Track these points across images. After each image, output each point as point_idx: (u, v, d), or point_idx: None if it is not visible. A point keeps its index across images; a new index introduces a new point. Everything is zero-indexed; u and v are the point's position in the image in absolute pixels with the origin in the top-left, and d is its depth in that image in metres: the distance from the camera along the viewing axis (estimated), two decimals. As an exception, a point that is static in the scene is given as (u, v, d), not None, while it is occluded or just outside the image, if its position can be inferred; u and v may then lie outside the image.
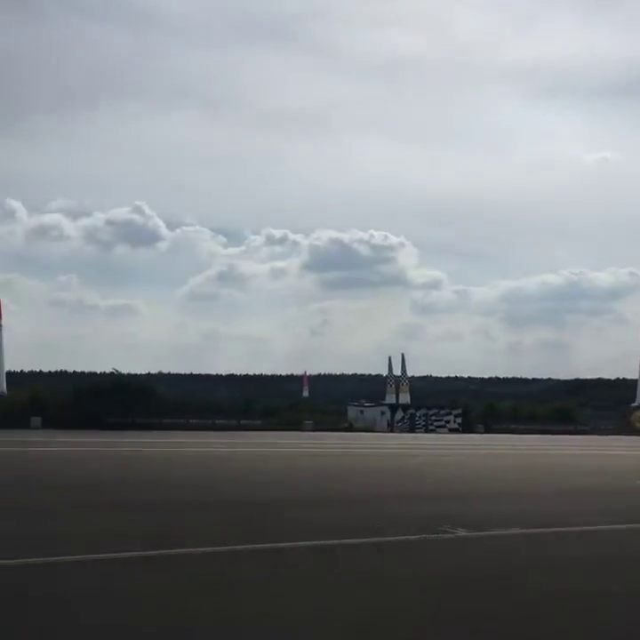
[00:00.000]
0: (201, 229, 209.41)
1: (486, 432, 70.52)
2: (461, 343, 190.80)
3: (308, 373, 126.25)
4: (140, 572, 9.31)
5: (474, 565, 10.28)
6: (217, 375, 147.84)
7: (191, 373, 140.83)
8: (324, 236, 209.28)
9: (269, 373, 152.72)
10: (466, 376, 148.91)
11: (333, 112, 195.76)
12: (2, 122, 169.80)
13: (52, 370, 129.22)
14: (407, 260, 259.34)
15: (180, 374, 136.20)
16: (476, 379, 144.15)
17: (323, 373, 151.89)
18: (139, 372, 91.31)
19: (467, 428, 73.05)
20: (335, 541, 11.46)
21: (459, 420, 75.05)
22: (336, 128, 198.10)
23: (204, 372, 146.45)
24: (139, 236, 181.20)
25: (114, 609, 7.55)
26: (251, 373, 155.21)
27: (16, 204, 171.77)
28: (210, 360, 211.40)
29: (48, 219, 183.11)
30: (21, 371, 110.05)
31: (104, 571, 9.29)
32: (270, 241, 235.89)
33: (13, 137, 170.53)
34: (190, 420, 63.06)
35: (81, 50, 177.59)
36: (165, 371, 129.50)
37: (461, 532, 12.41)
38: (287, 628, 7.08)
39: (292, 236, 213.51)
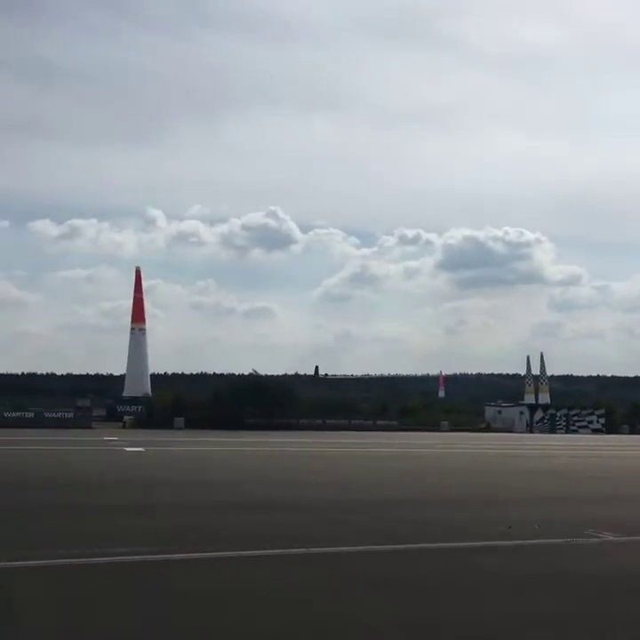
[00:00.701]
0: (334, 231, 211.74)
1: (632, 433, 67.76)
2: (603, 341, 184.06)
3: (443, 373, 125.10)
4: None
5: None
6: (351, 376, 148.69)
7: (326, 374, 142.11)
8: (457, 234, 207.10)
9: (404, 374, 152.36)
10: (609, 375, 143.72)
11: (462, 107, 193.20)
12: (145, 134, 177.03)
13: (193, 372, 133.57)
14: (544, 256, 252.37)
15: (314, 375, 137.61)
16: (619, 378, 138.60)
17: (458, 373, 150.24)
18: (275, 374, 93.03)
19: (611, 428, 70.49)
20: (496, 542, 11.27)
21: (602, 420, 72.54)
22: (466, 123, 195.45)
23: (338, 372, 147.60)
24: (273, 239, 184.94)
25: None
26: (385, 374, 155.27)
27: (157, 213, 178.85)
28: (344, 361, 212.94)
29: (186, 225, 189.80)
30: (165, 373, 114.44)
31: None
32: (403, 241, 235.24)
33: (155, 148, 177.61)
34: (326, 421, 63.72)
35: (215, 60, 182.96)
36: (301, 372, 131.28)
37: (609, 537, 11.89)
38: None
39: (425, 236, 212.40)
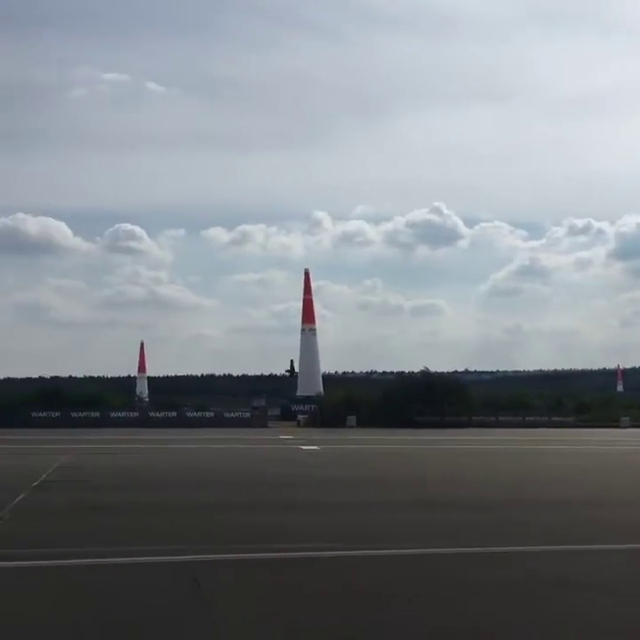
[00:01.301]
0: (500, 224, 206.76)
1: None
2: None
3: (621, 367, 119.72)
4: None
5: None
6: (524, 371, 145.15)
7: (497, 370, 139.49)
8: (631, 221, 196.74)
9: (579, 368, 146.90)
10: None
11: (629, 91, 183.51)
12: (309, 138, 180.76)
13: (363, 371, 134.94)
14: None
15: (486, 371, 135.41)
16: None
17: (638, 366, 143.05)
18: (445, 371, 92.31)
19: None
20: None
21: None
22: (635, 107, 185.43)
23: (510, 368, 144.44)
24: (438, 235, 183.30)
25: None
26: (559, 368, 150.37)
27: (322, 215, 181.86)
28: (515, 356, 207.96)
29: (351, 226, 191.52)
30: (335, 372, 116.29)
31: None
32: (573, 231, 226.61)
33: (318, 151, 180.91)
34: (499, 418, 62.66)
35: (375, 60, 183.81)
36: (471, 368, 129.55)
37: None
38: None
39: (596, 225, 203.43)
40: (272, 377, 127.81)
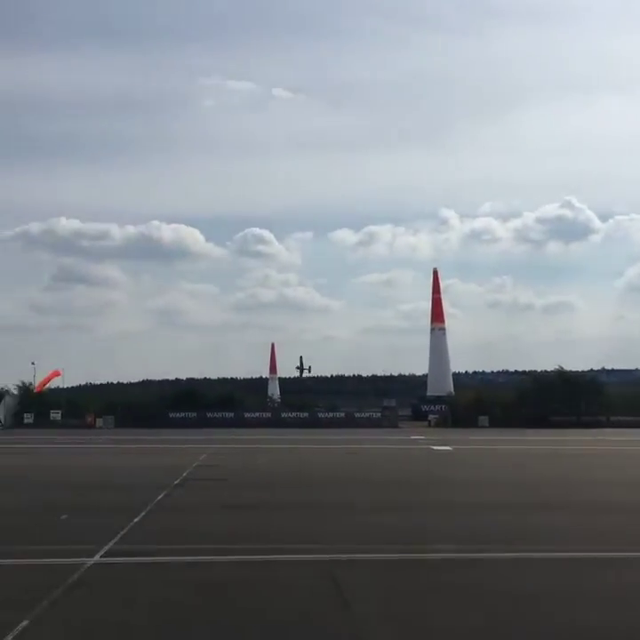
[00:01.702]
0: (636, 217, 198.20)
1: None
2: None
3: None
4: None
5: None
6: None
7: (636, 368, 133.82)
8: None
9: None
10: None
11: None
12: (434, 137, 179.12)
13: (494, 370, 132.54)
14: None
15: (625, 370, 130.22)
16: None
17: None
18: (580, 370, 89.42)
19: None
20: None
21: None
22: None
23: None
24: (570, 230, 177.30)
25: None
26: None
27: (449, 213, 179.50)
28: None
29: (479, 223, 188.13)
30: (465, 371, 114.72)
31: None
32: None
33: (444, 149, 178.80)
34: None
35: (498, 54, 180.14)
36: (608, 367, 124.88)
37: None
38: None
39: None
40: (401, 377, 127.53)
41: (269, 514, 13.79)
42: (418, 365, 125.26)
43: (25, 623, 6.82)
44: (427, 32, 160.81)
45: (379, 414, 61.96)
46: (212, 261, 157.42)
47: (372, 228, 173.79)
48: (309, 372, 77.52)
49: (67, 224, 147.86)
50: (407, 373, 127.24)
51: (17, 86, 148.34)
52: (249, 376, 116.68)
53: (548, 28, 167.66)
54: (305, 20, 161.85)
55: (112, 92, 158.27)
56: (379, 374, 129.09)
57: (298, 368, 78.81)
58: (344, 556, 9.71)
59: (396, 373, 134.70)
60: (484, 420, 57.12)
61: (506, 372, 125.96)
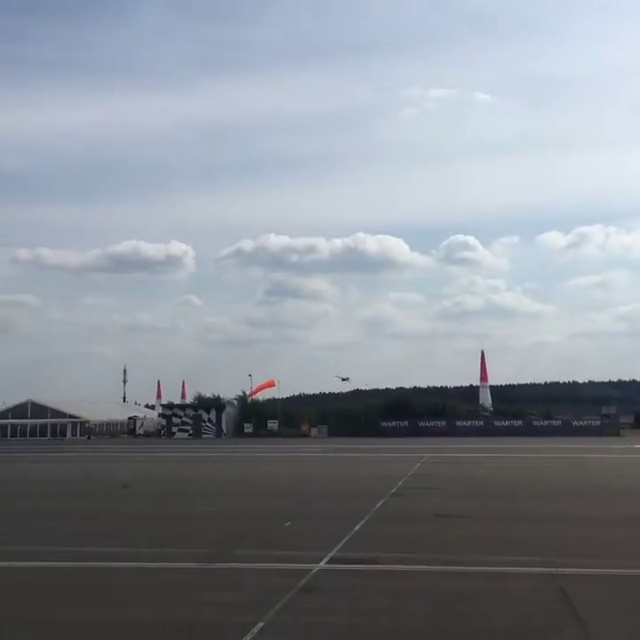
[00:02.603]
0: None
1: None
2: None
3: None
4: None
5: None
6: None
7: None
8: None
9: None
10: None
11: None
12: (636, 135, 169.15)
13: None
14: None
15: None
16: None
17: None
18: None
19: None
20: None
21: None
22: None
23: None
24: None
25: None
26: None
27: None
28: None
29: None
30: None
31: None
32: None
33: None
34: None
35: None
36: None
37: None
38: None
39: None
40: (621, 383, 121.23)
41: (486, 523, 13.54)
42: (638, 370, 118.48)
43: (261, 625, 7.13)
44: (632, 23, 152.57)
45: (598, 422, 59.25)
46: (417, 270, 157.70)
47: (583, 228, 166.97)
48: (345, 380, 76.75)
49: (276, 240, 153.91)
50: (627, 379, 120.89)
51: (234, 111, 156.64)
52: (459, 384, 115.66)
53: None
54: (497, 20, 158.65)
55: (313, 110, 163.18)
56: (595, 380, 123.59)
57: (342, 379, 78.32)
58: (572, 570, 9.36)
59: (614, 379, 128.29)
60: None
61: None
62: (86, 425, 71.87)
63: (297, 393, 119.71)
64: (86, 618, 7.64)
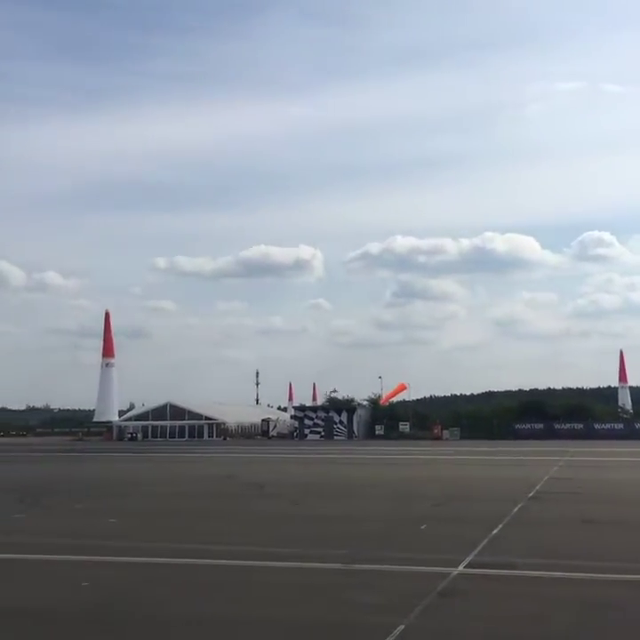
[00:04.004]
0: None
1: None
2: None
3: None
4: None
5: None
6: None
7: None
8: None
9: None
10: None
11: None
12: None
13: None
14: None
15: None
16: None
17: None
18: None
19: None
20: None
21: None
22: None
23: None
24: None
25: None
26: None
27: None
28: None
29: None
30: None
31: None
32: None
33: None
34: None
35: None
36: None
37: None
38: None
39: None
40: None
41: (636, 531, 13.02)
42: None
43: (401, 627, 7.11)
44: None
45: None
46: (550, 268, 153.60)
47: None
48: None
49: (403, 242, 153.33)
50: None
51: (358, 115, 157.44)
52: (595, 385, 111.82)
53: None
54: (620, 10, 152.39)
55: (438, 110, 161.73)
56: None
57: None
58: None
59: None
60: None
61: None
62: (222, 426, 73.87)
63: (428, 395, 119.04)
64: (232, 615, 7.84)
